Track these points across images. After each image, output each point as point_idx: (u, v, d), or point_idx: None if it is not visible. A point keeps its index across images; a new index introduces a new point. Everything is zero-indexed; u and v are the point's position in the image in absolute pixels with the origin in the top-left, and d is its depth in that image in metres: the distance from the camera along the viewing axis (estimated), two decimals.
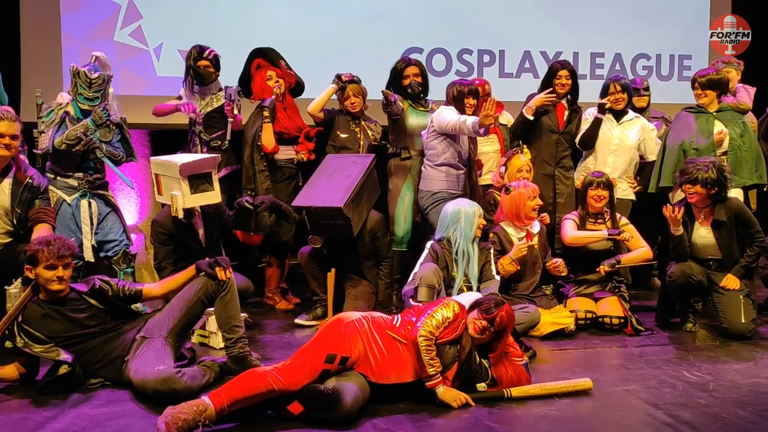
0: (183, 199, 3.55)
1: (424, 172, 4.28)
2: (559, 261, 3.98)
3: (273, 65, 4.48)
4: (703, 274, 3.88)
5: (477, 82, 4.70)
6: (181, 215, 3.60)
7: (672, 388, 2.97)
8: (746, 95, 4.89)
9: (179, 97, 4.46)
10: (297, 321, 4.11)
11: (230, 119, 4.31)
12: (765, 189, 4.73)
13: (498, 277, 3.85)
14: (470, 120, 3.94)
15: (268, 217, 3.95)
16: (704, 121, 4.37)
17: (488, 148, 4.77)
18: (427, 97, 4.58)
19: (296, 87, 4.61)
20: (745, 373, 3.18)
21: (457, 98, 4.18)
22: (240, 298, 3.24)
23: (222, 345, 3.19)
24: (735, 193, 4.25)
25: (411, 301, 3.60)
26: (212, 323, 3.50)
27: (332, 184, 3.91)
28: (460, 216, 3.76)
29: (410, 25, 5.91)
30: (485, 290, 3.62)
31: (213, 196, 3.68)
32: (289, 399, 2.57)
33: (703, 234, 3.94)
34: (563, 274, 4.00)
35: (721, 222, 3.88)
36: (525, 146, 4.47)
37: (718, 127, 4.34)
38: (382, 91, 4.32)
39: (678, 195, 4.12)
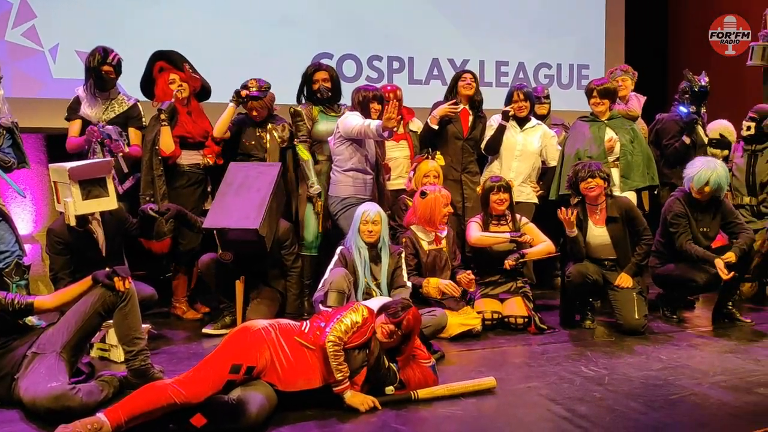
0: (74, 205, 3.37)
1: (333, 178, 4.29)
2: (470, 276, 4.04)
3: (176, 68, 4.35)
4: (598, 274, 4.08)
5: (389, 87, 4.76)
6: (73, 222, 3.42)
7: (570, 384, 3.10)
8: (636, 103, 5.19)
9: (76, 99, 4.26)
10: (205, 330, 4.01)
11: (120, 154, 4.10)
12: (656, 192, 5.04)
13: (410, 284, 3.90)
14: (374, 123, 3.98)
15: (165, 224, 3.82)
16: (597, 129, 4.62)
17: (398, 153, 4.83)
18: (339, 103, 4.59)
19: (202, 91, 4.50)
20: (637, 367, 3.36)
21: (362, 103, 4.21)
22: (143, 308, 3.14)
23: (123, 358, 3.07)
24: (629, 196, 4.50)
25: (321, 306, 3.60)
26: (112, 336, 3.36)
27: (242, 201, 3.79)
28: (353, 217, 3.83)
29: (320, 31, 5.91)
30: (397, 297, 3.66)
31: (108, 203, 3.50)
32: (191, 411, 2.50)
33: (597, 233, 4.15)
34: (471, 289, 4.09)
35: (615, 219, 4.10)
36: (438, 152, 4.57)
37: (609, 134, 4.59)
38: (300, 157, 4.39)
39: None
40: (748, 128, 4.85)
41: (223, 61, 5.36)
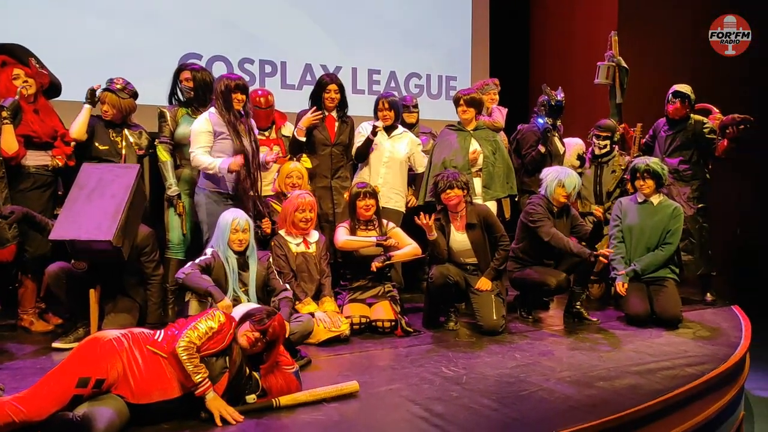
0: None
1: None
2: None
3: (21, 63, 4.05)
4: (460, 276, 4.26)
5: (260, 92, 4.70)
6: None
7: (430, 384, 3.20)
8: (500, 115, 5.46)
9: None
10: (55, 345, 3.74)
11: None
12: (516, 199, 5.33)
13: (288, 286, 3.87)
14: (217, 164, 3.98)
15: (9, 230, 3.54)
16: (463, 140, 4.81)
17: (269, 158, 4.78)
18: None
19: (51, 87, 4.22)
20: (493, 366, 3.52)
21: (224, 93, 4.04)
22: None
23: None
24: (490, 205, 4.72)
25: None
26: None
27: (95, 208, 3.52)
28: (220, 224, 3.74)
29: (187, 30, 5.74)
30: (281, 302, 3.71)
31: None
32: (31, 431, 2.34)
33: (459, 239, 4.33)
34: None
35: (473, 225, 4.30)
36: (304, 154, 4.55)
37: (474, 146, 4.80)
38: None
39: None
40: (604, 147, 5.22)
41: (83, 57, 5.08)
